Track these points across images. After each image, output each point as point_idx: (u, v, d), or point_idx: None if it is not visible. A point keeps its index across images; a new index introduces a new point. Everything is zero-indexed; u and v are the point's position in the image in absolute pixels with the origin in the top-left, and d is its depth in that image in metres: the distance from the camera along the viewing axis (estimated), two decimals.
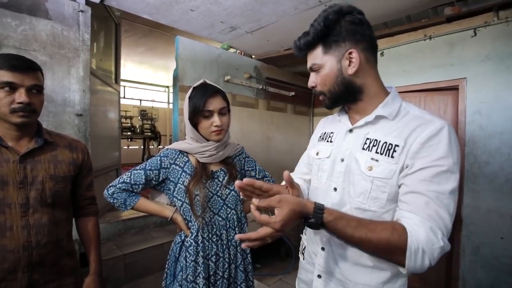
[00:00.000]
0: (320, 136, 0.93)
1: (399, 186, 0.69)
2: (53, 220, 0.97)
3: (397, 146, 0.69)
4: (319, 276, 0.82)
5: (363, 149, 0.75)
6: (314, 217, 0.64)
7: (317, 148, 0.91)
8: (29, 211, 0.92)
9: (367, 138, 0.76)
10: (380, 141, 0.73)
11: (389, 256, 0.65)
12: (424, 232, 0.61)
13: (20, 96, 0.87)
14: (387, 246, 0.62)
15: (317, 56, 0.77)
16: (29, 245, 0.90)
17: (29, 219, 0.92)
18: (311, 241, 0.87)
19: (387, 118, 0.74)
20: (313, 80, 0.81)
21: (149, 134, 6.86)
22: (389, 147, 0.70)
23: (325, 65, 0.76)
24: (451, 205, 0.64)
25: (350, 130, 0.81)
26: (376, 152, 0.72)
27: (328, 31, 0.73)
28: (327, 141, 0.88)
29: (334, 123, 0.91)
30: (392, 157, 0.69)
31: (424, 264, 0.61)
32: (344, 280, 0.77)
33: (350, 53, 0.73)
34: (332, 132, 0.88)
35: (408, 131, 0.69)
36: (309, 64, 0.80)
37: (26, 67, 0.89)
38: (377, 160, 0.71)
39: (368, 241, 0.63)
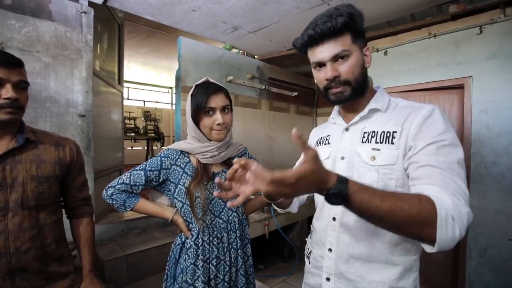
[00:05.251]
0: (317, 141, 0.94)
1: (407, 168, 0.69)
2: (36, 224, 0.91)
3: (395, 132, 0.72)
4: (327, 279, 0.81)
5: (363, 142, 0.77)
6: (337, 187, 0.54)
7: None
8: (8, 215, 0.86)
9: (365, 132, 0.78)
10: (377, 131, 0.76)
11: (419, 229, 0.58)
12: (450, 198, 0.59)
13: (7, 92, 0.84)
14: (417, 214, 0.56)
15: (346, 43, 0.73)
16: (6, 252, 0.85)
17: (7, 224, 0.86)
18: (317, 244, 0.86)
19: (380, 111, 0.79)
20: (336, 68, 0.74)
21: (153, 135, 6.89)
22: (388, 135, 0.73)
23: (354, 53, 0.75)
24: (462, 173, 0.65)
25: (346, 129, 0.83)
26: (376, 142, 0.75)
27: (353, 22, 0.74)
28: (325, 144, 0.89)
29: (329, 127, 0.93)
30: (392, 143, 0.72)
31: (455, 233, 0.57)
32: (356, 279, 0.75)
33: (367, 49, 0.78)
34: (328, 135, 0.90)
35: (403, 118, 0.73)
36: (335, 51, 0.73)
37: (12, 62, 0.86)
38: (378, 149, 0.73)
39: (399, 210, 0.56)
